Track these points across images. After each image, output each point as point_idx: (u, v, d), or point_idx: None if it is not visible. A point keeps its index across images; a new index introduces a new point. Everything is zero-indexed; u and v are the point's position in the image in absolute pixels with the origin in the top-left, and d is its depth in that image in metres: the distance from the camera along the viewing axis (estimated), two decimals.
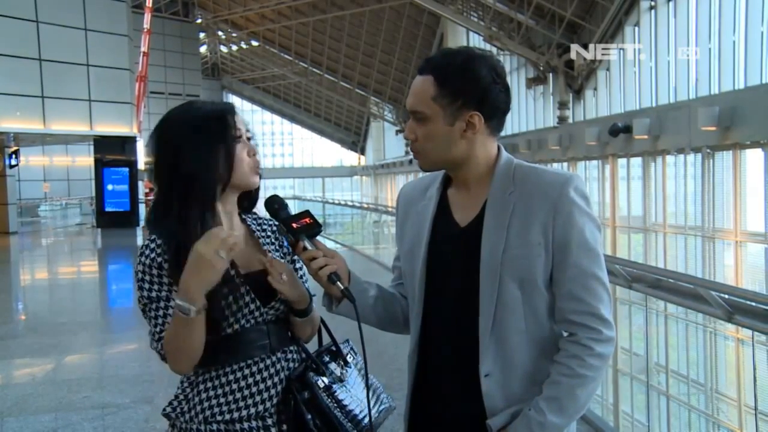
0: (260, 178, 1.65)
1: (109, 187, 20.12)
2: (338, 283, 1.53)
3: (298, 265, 1.70)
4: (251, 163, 1.60)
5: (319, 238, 1.59)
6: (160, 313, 1.52)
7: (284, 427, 1.57)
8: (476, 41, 23.13)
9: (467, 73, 1.48)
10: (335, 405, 1.57)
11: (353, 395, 1.63)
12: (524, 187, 1.49)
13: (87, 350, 6.29)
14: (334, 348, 1.71)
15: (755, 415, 3.88)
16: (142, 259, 1.53)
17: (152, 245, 1.53)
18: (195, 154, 1.54)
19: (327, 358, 1.67)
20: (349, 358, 1.71)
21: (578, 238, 1.44)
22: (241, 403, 1.55)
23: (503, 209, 1.48)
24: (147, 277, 1.53)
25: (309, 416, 1.54)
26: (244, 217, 1.70)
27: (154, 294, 1.53)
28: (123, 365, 5.55)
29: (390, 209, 14.15)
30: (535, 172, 1.51)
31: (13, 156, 19.88)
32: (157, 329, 1.52)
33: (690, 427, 8.80)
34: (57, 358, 5.89)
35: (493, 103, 1.50)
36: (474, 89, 1.48)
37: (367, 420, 1.60)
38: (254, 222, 1.72)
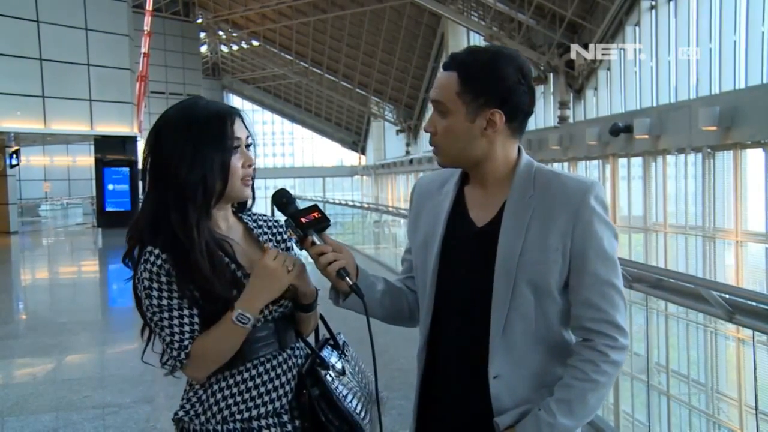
0: (252, 188, 1.62)
1: (110, 186, 20.10)
2: (347, 278, 1.52)
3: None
4: (244, 174, 1.57)
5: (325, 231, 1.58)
6: (176, 322, 1.50)
7: (296, 423, 1.59)
8: (477, 41, 23.13)
9: (492, 72, 1.47)
10: (343, 397, 1.59)
11: (354, 385, 1.65)
12: (545, 191, 1.48)
13: (88, 350, 6.29)
14: (331, 342, 1.72)
15: (756, 415, 3.88)
16: (147, 266, 1.49)
17: (152, 257, 1.49)
18: (191, 161, 1.51)
19: (327, 352, 1.67)
20: (346, 351, 1.72)
21: (597, 247, 1.44)
22: (258, 401, 1.55)
23: (522, 212, 1.48)
24: (155, 285, 1.49)
25: (321, 409, 1.56)
26: (240, 215, 1.70)
27: (164, 302, 1.50)
28: (124, 365, 5.55)
29: (390, 209, 14.16)
30: (557, 178, 1.50)
31: (14, 156, 19.87)
32: (176, 338, 1.49)
33: (690, 427, 8.79)
34: (57, 357, 5.89)
35: (516, 104, 1.48)
36: (498, 88, 1.47)
37: (363, 413, 1.61)
38: (250, 219, 1.71)
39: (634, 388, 6.86)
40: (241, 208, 1.69)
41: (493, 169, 1.53)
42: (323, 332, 1.75)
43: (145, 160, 1.57)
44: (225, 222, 1.63)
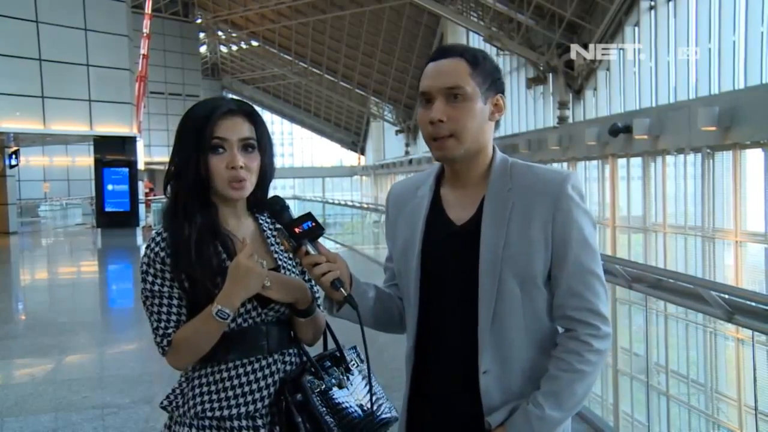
0: (246, 189, 1.59)
1: (109, 187, 20.09)
2: (341, 289, 1.50)
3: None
4: (229, 176, 1.56)
5: (320, 238, 1.57)
6: (164, 309, 1.55)
7: (276, 428, 1.58)
8: (476, 41, 23.14)
9: (489, 61, 1.52)
10: (327, 410, 1.56)
11: (352, 402, 1.62)
12: (522, 184, 1.49)
13: (87, 350, 6.29)
14: (337, 354, 1.70)
15: (755, 415, 3.88)
16: (148, 251, 1.56)
17: (158, 238, 1.57)
18: (179, 156, 1.59)
19: (328, 363, 1.67)
20: (353, 366, 1.70)
21: (577, 235, 1.45)
22: (233, 402, 1.56)
23: (502, 206, 1.48)
24: (151, 270, 1.55)
25: (299, 419, 1.55)
26: (257, 215, 1.71)
27: (156, 288, 1.55)
28: (123, 365, 5.55)
29: None
30: (533, 170, 1.52)
31: (13, 156, 19.87)
32: (162, 325, 1.55)
33: (690, 427, 8.79)
34: (57, 358, 5.88)
35: (504, 94, 1.54)
36: (496, 75, 1.53)
37: (362, 428, 1.59)
38: (266, 221, 1.72)
39: (634, 389, 6.87)
40: (258, 209, 1.70)
41: (480, 163, 1.54)
42: (351, 342, 1.74)
43: None
44: (235, 220, 1.65)
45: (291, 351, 1.65)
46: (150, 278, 1.55)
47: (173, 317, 1.55)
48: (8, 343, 6.44)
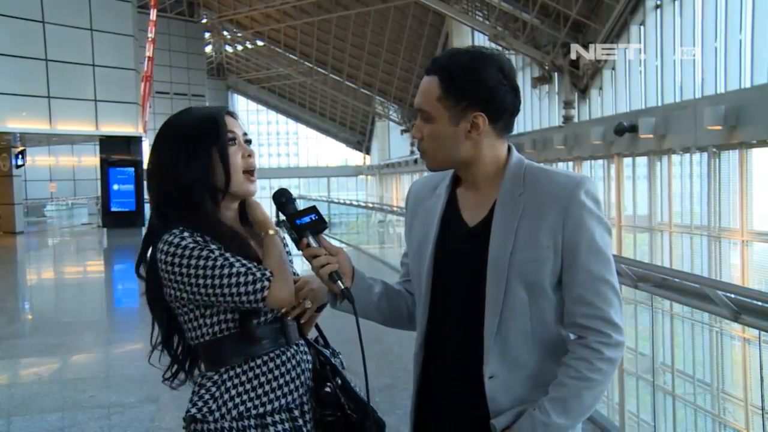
0: (256, 184, 1.65)
1: (115, 186, 20.14)
2: (339, 282, 1.52)
3: None
4: (245, 165, 1.60)
5: (325, 237, 1.58)
6: (241, 263, 1.54)
7: (307, 417, 1.62)
8: (481, 41, 23.11)
9: (472, 74, 1.46)
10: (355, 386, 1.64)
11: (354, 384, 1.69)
12: (534, 189, 1.47)
13: (93, 350, 6.31)
14: (329, 349, 1.77)
15: (762, 415, 3.87)
16: (186, 237, 1.54)
17: (185, 233, 1.55)
18: (190, 161, 1.57)
19: (327, 353, 1.72)
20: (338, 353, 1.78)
21: (588, 242, 1.43)
22: (271, 396, 1.58)
23: (512, 211, 1.47)
24: (198, 246, 1.53)
25: (344, 400, 1.60)
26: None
27: (215, 253, 1.54)
28: (129, 365, 5.56)
29: (395, 209, 14.16)
30: (546, 174, 1.49)
31: (20, 156, 19.95)
32: (252, 270, 1.54)
33: (696, 427, 8.77)
34: (63, 357, 5.91)
35: (499, 104, 1.47)
36: (479, 90, 1.46)
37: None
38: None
39: (640, 388, 6.86)
40: (244, 219, 1.72)
41: (482, 170, 1.52)
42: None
43: (150, 167, 1.65)
44: (237, 225, 1.67)
45: (301, 342, 1.69)
46: (205, 252, 1.52)
47: (249, 263, 1.56)
48: (15, 343, 6.47)
